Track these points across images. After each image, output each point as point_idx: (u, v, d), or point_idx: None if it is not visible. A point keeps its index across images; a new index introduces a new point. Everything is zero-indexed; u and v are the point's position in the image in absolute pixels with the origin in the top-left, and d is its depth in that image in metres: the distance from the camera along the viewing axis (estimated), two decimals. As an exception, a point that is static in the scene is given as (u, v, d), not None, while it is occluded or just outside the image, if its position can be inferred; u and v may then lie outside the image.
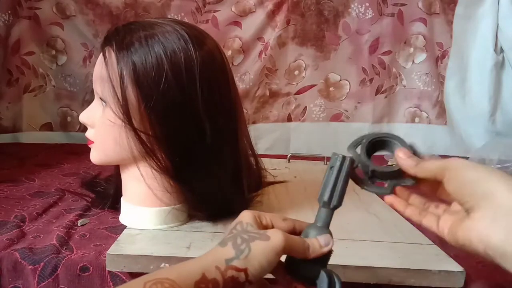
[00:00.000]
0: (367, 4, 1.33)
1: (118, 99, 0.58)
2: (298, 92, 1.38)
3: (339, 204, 0.44)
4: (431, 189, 0.45)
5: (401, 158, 0.44)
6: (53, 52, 1.32)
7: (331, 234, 0.43)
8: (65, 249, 0.59)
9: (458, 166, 0.40)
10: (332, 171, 0.44)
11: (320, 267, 0.43)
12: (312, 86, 1.37)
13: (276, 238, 0.40)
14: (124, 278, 0.57)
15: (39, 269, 0.56)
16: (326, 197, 0.43)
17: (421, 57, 1.38)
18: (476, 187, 0.38)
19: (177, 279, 0.36)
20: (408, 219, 0.46)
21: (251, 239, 0.40)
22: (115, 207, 0.72)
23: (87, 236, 0.64)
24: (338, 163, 0.44)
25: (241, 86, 1.33)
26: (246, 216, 0.43)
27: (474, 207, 0.38)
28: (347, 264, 0.55)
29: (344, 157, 0.45)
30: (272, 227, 0.44)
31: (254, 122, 1.36)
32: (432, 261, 0.58)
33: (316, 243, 0.43)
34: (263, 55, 1.33)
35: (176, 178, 0.62)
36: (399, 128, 1.41)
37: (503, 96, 1.32)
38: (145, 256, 0.56)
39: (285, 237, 0.41)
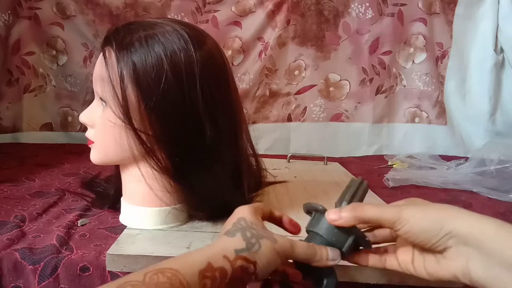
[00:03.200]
0: (367, 4, 1.33)
1: (118, 99, 0.58)
2: (298, 92, 1.38)
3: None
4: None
5: (335, 220, 0.42)
6: (54, 52, 1.32)
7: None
8: (65, 249, 0.59)
9: (410, 216, 0.39)
10: (351, 187, 0.46)
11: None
12: (312, 86, 1.37)
13: (282, 242, 0.41)
14: (124, 278, 0.57)
15: (39, 269, 0.56)
16: (347, 199, 0.45)
17: (421, 57, 1.38)
18: (437, 231, 0.38)
19: (180, 269, 0.35)
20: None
21: (259, 236, 0.40)
22: (115, 207, 0.72)
23: (87, 236, 0.64)
24: (357, 182, 0.47)
25: (241, 86, 1.33)
26: (247, 214, 0.43)
27: (445, 248, 0.38)
28: (347, 264, 0.55)
29: (362, 180, 0.47)
30: (270, 213, 0.46)
31: (254, 122, 1.36)
32: (432, 261, 0.58)
33: (324, 253, 0.42)
34: (263, 55, 1.33)
35: (176, 178, 0.62)
36: (399, 128, 1.41)
37: (503, 96, 1.32)
38: (145, 256, 0.56)
39: (290, 243, 0.41)
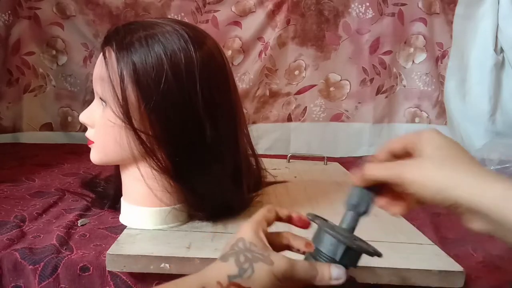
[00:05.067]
0: (367, 4, 1.33)
1: (118, 99, 0.58)
2: (298, 92, 1.38)
3: (366, 210, 0.43)
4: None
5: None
6: (54, 52, 1.32)
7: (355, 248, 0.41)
8: (65, 249, 0.59)
9: (414, 180, 0.38)
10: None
11: None
12: (312, 86, 1.37)
13: (279, 264, 0.39)
14: (124, 278, 0.57)
15: (39, 269, 0.56)
16: (354, 201, 0.43)
17: (421, 57, 1.38)
18: (442, 200, 0.36)
19: None
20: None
21: (254, 259, 0.39)
22: (115, 207, 0.72)
23: (87, 236, 0.64)
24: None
25: (241, 86, 1.33)
26: (247, 233, 0.42)
27: (460, 214, 0.37)
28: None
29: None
30: (276, 217, 0.45)
31: (254, 122, 1.36)
32: (432, 261, 0.58)
33: (326, 272, 0.40)
34: (263, 55, 1.33)
35: (176, 178, 0.62)
36: (399, 128, 1.41)
37: (503, 96, 1.32)
38: (145, 256, 0.56)
39: (289, 264, 0.40)
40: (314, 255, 0.43)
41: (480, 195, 0.34)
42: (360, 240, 0.44)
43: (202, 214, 0.67)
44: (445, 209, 0.37)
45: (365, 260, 0.56)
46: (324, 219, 0.46)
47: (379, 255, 0.43)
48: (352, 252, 0.41)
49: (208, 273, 0.39)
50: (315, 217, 0.45)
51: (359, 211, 0.43)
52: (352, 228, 0.43)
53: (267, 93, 1.36)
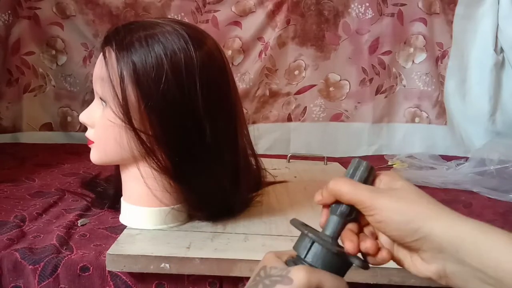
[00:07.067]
0: (367, 4, 1.33)
1: (118, 99, 0.58)
2: (298, 92, 1.38)
3: (348, 212, 0.40)
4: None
5: (318, 201, 0.41)
6: (53, 52, 1.32)
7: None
8: (65, 249, 0.59)
9: (384, 207, 0.37)
10: (350, 168, 0.43)
11: None
12: (312, 86, 1.37)
13: (298, 279, 0.37)
14: (124, 278, 0.57)
15: (39, 269, 0.56)
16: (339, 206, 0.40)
17: (421, 57, 1.38)
18: (412, 231, 0.36)
19: None
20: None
21: (272, 284, 0.38)
22: (115, 207, 0.72)
23: (87, 236, 0.64)
24: (354, 164, 0.43)
25: (241, 86, 1.33)
26: (269, 259, 0.41)
27: (420, 250, 0.36)
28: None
29: (360, 161, 0.43)
30: None
31: (254, 122, 1.36)
32: (432, 261, 0.58)
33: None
34: (263, 55, 1.33)
35: (176, 178, 0.62)
36: (399, 128, 1.41)
37: (503, 96, 1.32)
38: (145, 256, 0.56)
39: (309, 275, 0.37)
40: (296, 263, 0.40)
41: (455, 229, 0.34)
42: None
43: (202, 214, 0.67)
44: (406, 244, 0.37)
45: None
46: (306, 225, 0.42)
47: (365, 267, 0.40)
48: (337, 261, 0.39)
49: None
50: (298, 223, 0.42)
51: (339, 213, 0.40)
52: (337, 235, 0.41)
53: (267, 93, 1.36)
